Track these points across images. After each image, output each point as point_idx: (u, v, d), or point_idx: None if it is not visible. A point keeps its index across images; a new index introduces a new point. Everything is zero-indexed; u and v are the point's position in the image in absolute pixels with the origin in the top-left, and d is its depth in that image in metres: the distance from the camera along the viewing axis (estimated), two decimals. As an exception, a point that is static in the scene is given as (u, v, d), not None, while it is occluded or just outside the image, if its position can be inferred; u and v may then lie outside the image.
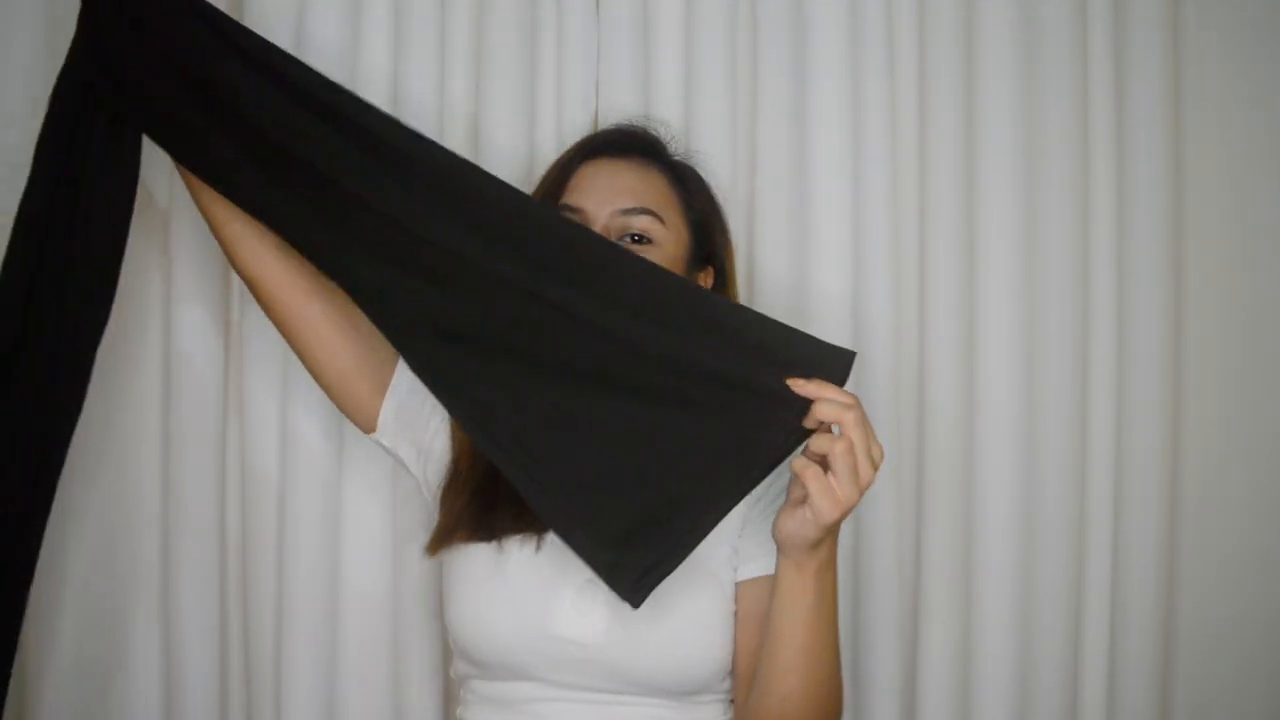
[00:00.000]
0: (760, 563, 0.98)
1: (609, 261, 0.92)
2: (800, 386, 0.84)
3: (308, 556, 1.24)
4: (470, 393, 0.96)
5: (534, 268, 0.91)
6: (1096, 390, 1.22)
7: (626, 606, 0.89)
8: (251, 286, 1.08)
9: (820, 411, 0.83)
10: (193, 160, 1.05)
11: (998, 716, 1.22)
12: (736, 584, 0.99)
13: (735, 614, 0.98)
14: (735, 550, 1.00)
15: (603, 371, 0.91)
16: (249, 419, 1.26)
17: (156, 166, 1.16)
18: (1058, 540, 1.24)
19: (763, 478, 0.88)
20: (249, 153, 1.00)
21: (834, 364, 0.85)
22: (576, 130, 1.23)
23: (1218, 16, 1.24)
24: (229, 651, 1.29)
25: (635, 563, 0.88)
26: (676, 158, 1.12)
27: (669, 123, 1.19)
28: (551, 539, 0.98)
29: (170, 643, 1.27)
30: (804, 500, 0.85)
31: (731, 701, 1.01)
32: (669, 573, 0.88)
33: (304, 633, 1.24)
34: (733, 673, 0.98)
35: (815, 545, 0.87)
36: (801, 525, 0.85)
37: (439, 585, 1.10)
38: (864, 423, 0.84)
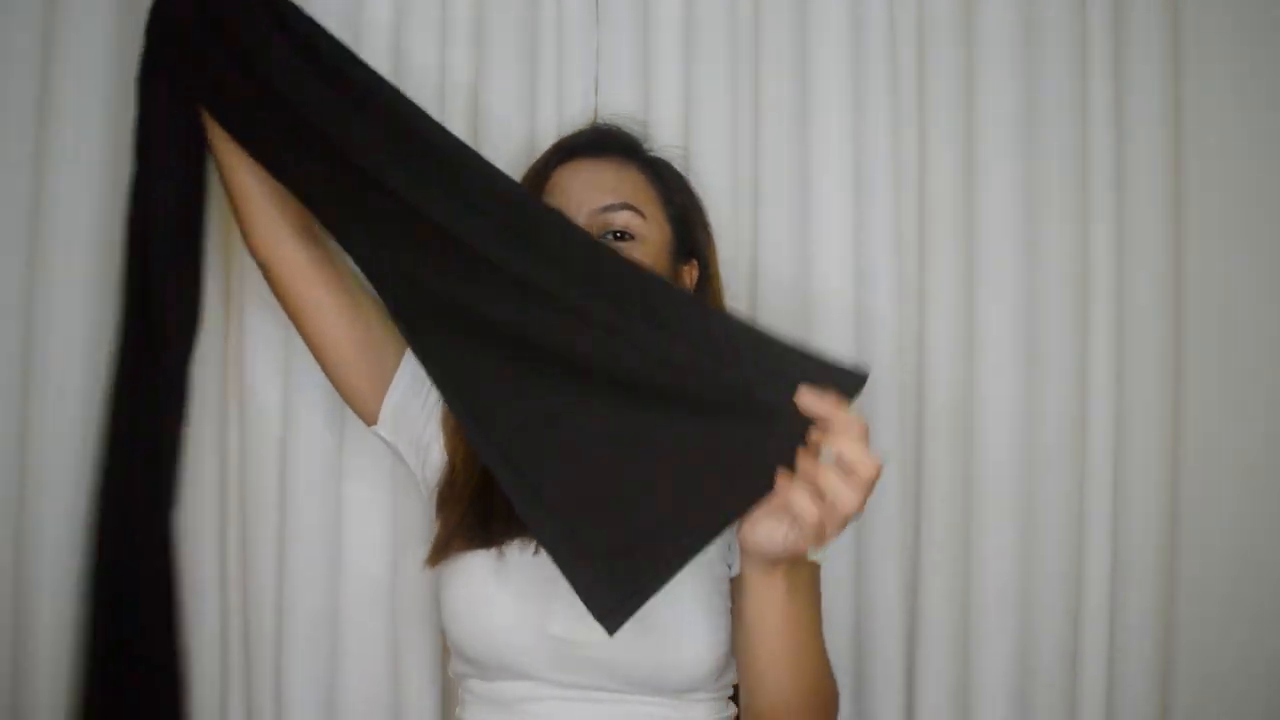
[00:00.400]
0: None
1: (610, 266, 0.90)
2: (812, 400, 0.78)
3: (308, 556, 1.24)
4: (468, 392, 0.96)
5: (534, 261, 0.90)
6: (1096, 390, 1.22)
7: None
8: (264, 269, 1.09)
9: (843, 448, 0.76)
10: (233, 128, 1.05)
11: (998, 713, 1.22)
12: (731, 580, 0.99)
13: (731, 610, 0.97)
14: (729, 545, 0.99)
15: (597, 370, 0.89)
16: (249, 416, 1.26)
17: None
18: (1057, 539, 1.23)
19: (754, 504, 0.83)
20: (282, 126, 1.00)
21: (845, 381, 0.79)
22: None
23: (1218, 17, 1.24)
24: (229, 651, 1.29)
25: (614, 585, 0.85)
26: (652, 154, 1.12)
27: (648, 120, 1.19)
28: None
29: (170, 642, 1.27)
30: (784, 511, 0.80)
31: (730, 699, 1.01)
32: (650, 597, 0.85)
33: (304, 632, 1.24)
34: (737, 668, 0.97)
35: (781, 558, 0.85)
36: (771, 544, 0.83)
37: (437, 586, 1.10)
38: (873, 484, 0.78)
